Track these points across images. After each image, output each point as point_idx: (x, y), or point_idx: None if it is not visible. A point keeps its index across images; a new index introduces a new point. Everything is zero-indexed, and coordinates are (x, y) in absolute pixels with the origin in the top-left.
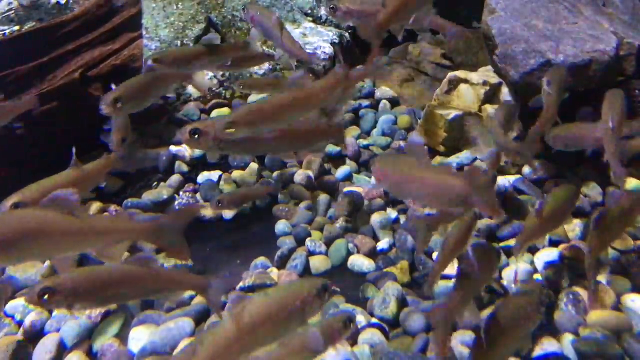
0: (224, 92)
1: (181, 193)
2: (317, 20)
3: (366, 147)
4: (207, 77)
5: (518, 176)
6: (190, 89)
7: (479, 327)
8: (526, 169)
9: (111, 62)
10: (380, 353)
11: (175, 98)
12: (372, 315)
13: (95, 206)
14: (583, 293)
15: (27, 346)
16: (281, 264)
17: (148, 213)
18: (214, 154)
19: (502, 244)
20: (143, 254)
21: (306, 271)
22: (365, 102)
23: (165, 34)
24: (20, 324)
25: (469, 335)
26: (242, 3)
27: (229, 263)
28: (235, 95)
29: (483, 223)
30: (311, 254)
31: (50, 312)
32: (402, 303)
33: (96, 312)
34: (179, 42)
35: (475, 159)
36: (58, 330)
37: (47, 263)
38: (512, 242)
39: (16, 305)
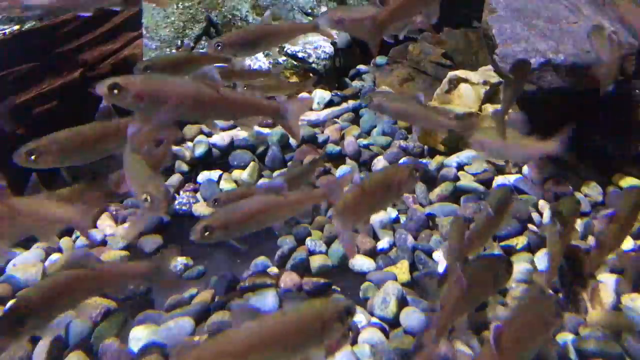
0: None
1: (181, 192)
2: None
3: (366, 147)
4: None
5: (518, 176)
6: None
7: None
8: (526, 169)
9: (111, 62)
10: (380, 352)
11: None
12: (372, 314)
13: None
14: (583, 293)
15: (27, 346)
16: (281, 263)
17: None
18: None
19: (501, 244)
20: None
21: (306, 270)
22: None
23: (165, 33)
24: None
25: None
26: (241, 2)
27: (229, 262)
28: None
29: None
30: (311, 253)
31: None
32: (402, 302)
33: (97, 311)
34: (179, 42)
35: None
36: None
37: (47, 263)
38: (512, 242)
39: None
